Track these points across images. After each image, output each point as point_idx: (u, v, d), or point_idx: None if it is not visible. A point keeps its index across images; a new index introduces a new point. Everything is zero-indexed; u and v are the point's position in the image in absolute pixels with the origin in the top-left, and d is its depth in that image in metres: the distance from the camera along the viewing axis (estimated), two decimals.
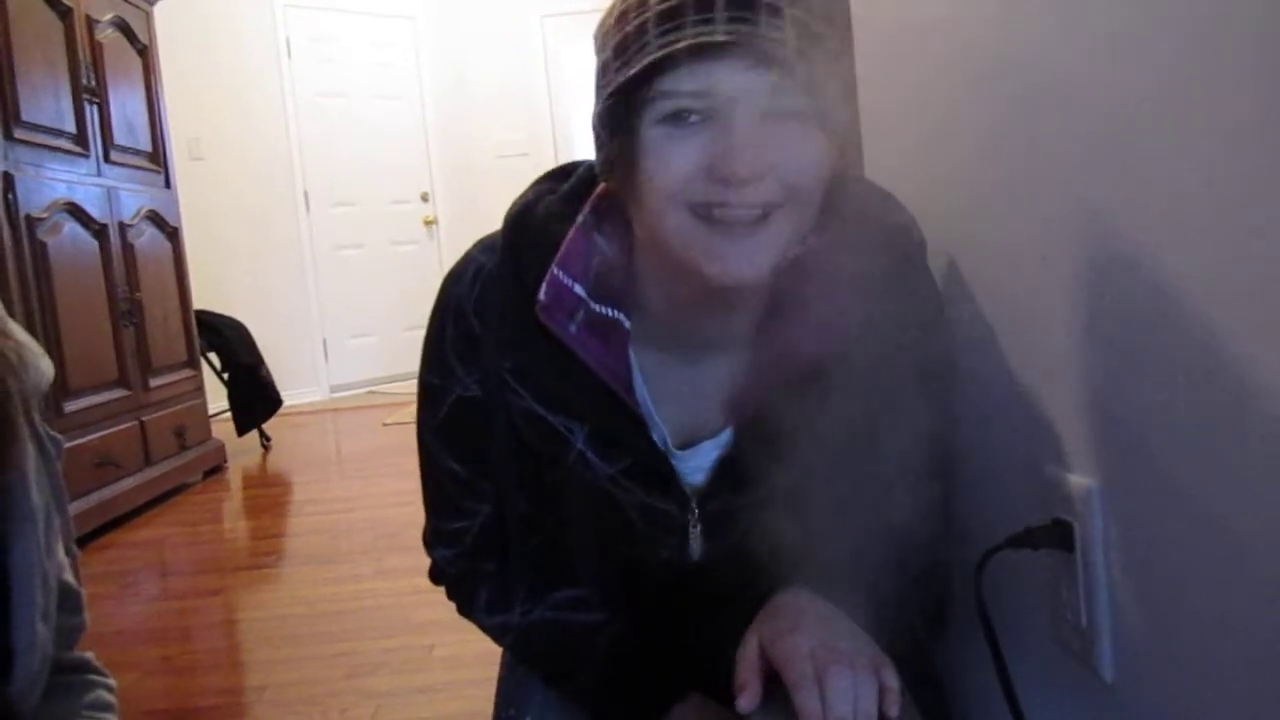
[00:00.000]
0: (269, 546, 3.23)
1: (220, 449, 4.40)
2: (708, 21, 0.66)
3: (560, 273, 0.78)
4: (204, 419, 4.29)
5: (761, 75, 0.66)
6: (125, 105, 3.91)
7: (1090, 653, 0.66)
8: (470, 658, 2.06)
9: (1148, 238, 0.54)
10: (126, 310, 3.72)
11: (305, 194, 6.34)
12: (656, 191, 0.69)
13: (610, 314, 0.78)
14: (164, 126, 4.25)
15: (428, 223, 6.89)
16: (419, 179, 6.90)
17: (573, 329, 0.78)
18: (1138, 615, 0.61)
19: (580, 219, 0.81)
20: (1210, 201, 0.48)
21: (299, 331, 6.29)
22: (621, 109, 0.70)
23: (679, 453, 0.82)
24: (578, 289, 0.78)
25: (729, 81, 0.66)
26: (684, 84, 0.67)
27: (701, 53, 0.66)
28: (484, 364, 0.82)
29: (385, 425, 5.23)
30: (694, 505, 0.83)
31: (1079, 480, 0.65)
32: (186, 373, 4.20)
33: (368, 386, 6.55)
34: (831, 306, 0.72)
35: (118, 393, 3.53)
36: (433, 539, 0.95)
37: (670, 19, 0.67)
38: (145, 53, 4.12)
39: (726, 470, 0.82)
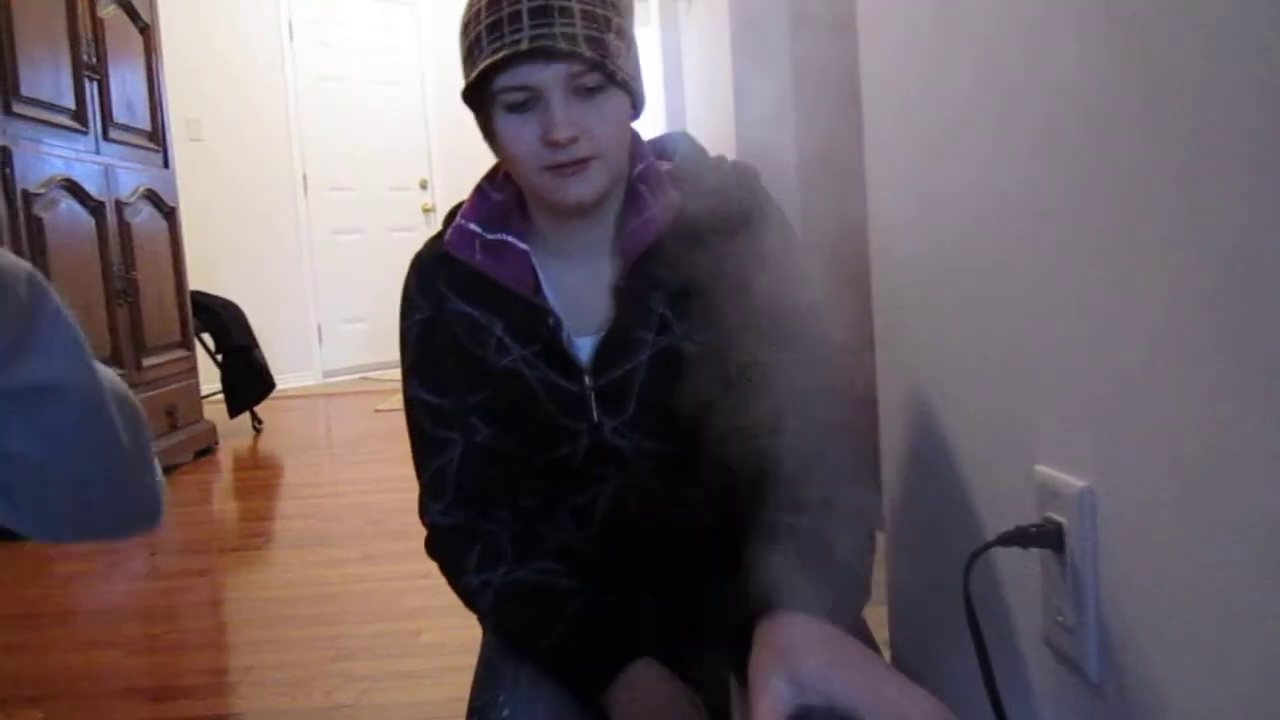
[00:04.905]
0: (258, 528, 3.23)
1: (211, 430, 4.39)
2: (517, 32, 0.91)
3: (460, 220, 1.06)
4: (196, 400, 4.29)
5: (561, 67, 0.92)
6: (125, 83, 3.90)
7: (1077, 653, 0.66)
8: (455, 644, 2.06)
9: (1142, 234, 0.54)
10: (122, 289, 3.71)
11: (304, 178, 6.33)
12: (515, 158, 0.97)
13: (502, 238, 1.05)
14: (164, 106, 4.24)
15: (426, 210, 6.87)
16: (418, 166, 6.88)
17: (477, 256, 1.04)
18: (1125, 617, 0.61)
19: (480, 181, 1.09)
20: (1194, 196, 0.48)
21: (293, 315, 6.27)
22: (478, 96, 0.97)
23: (577, 340, 1.04)
24: (472, 226, 1.05)
25: (538, 75, 0.92)
26: (511, 81, 0.93)
27: (516, 58, 0.91)
28: (429, 289, 1.07)
29: (377, 411, 5.23)
30: (588, 380, 1.03)
31: (1071, 480, 0.65)
32: (180, 353, 4.20)
33: (360, 372, 6.54)
34: (671, 219, 1.01)
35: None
36: (428, 500, 1.09)
37: (494, 31, 0.92)
38: (147, 31, 4.10)
39: (603, 347, 1.02)
